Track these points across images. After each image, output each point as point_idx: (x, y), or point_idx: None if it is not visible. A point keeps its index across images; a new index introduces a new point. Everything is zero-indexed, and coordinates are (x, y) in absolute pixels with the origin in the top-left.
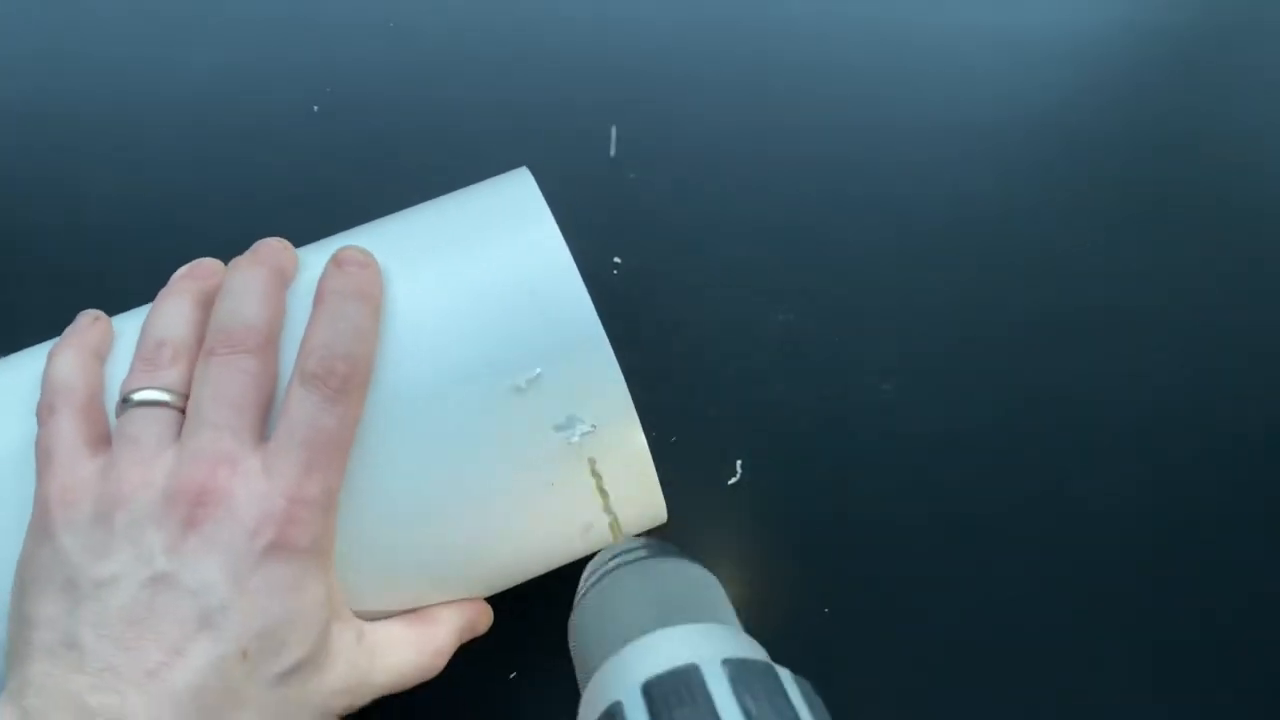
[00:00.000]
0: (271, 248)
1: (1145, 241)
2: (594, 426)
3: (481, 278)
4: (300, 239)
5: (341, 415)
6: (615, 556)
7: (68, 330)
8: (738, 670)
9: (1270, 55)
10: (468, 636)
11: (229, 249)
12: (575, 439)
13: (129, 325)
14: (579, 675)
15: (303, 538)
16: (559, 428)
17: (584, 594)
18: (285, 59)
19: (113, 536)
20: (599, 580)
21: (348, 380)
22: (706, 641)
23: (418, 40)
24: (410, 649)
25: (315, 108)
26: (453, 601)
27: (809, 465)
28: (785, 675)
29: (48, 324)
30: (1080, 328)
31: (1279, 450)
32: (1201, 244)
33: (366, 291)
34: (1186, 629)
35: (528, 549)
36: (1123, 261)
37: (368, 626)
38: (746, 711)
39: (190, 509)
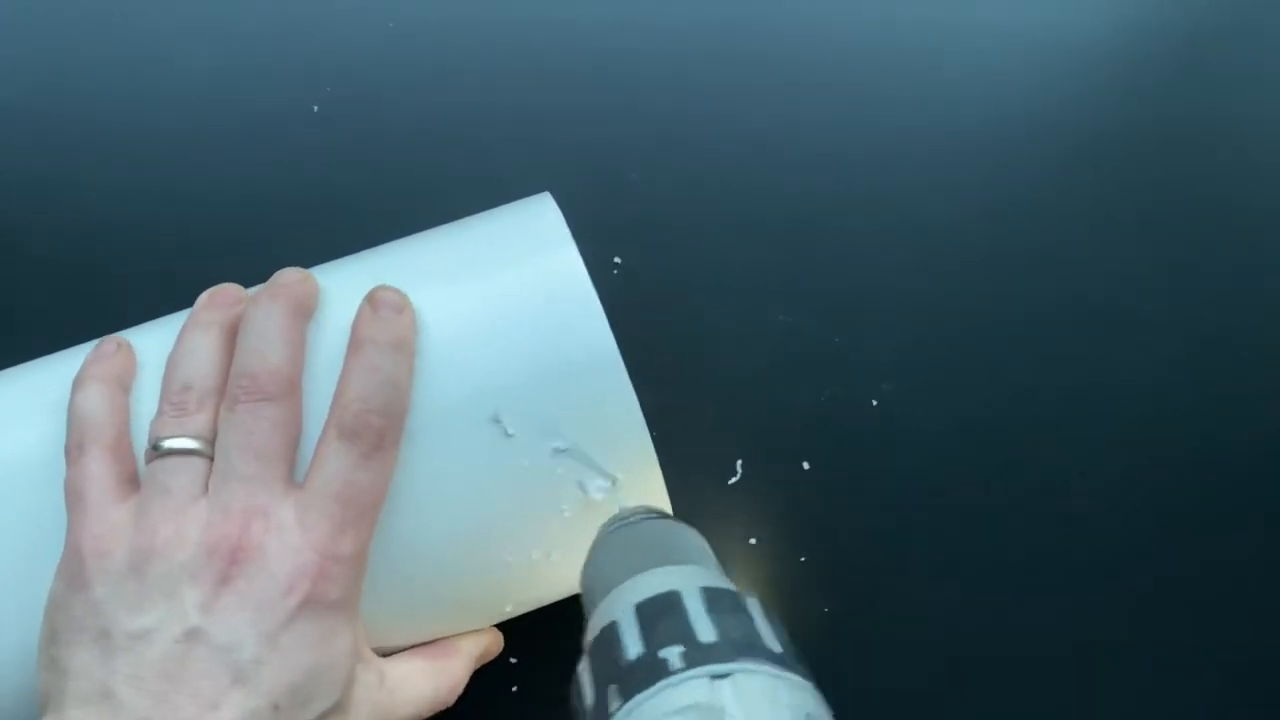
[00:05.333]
0: (291, 280)
1: (1145, 241)
2: (617, 480)
3: (508, 323)
4: (300, 240)
5: (377, 470)
6: (618, 521)
7: (90, 358)
8: (711, 595)
9: (1270, 55)
10: (481, 663)
11: (229, 250)
12: (598, 496)
13: (147, 345)
14: (587, 616)
15: (334, 592)
16: (581, 483)
17: (592, 552)
18: (285, 59)
19: (146, 589)
20: (605, 540)
21: (384, 435)
22: (688, 576)
23: (418, 40)
24: (428, 685)
25: (315, 108)
26: (469, 632)
27: (809, 465)
28: (752, 602)
29: (48, 324)
30: (1080, 327)
31: (1277, 449)
32: (1202, 243)
33: (402, 340)
34: (1187, 627)
35: (545, 583)
36: (1123, 261)
37: (388, 665)
38: (717, 624)
39: (225, 566)
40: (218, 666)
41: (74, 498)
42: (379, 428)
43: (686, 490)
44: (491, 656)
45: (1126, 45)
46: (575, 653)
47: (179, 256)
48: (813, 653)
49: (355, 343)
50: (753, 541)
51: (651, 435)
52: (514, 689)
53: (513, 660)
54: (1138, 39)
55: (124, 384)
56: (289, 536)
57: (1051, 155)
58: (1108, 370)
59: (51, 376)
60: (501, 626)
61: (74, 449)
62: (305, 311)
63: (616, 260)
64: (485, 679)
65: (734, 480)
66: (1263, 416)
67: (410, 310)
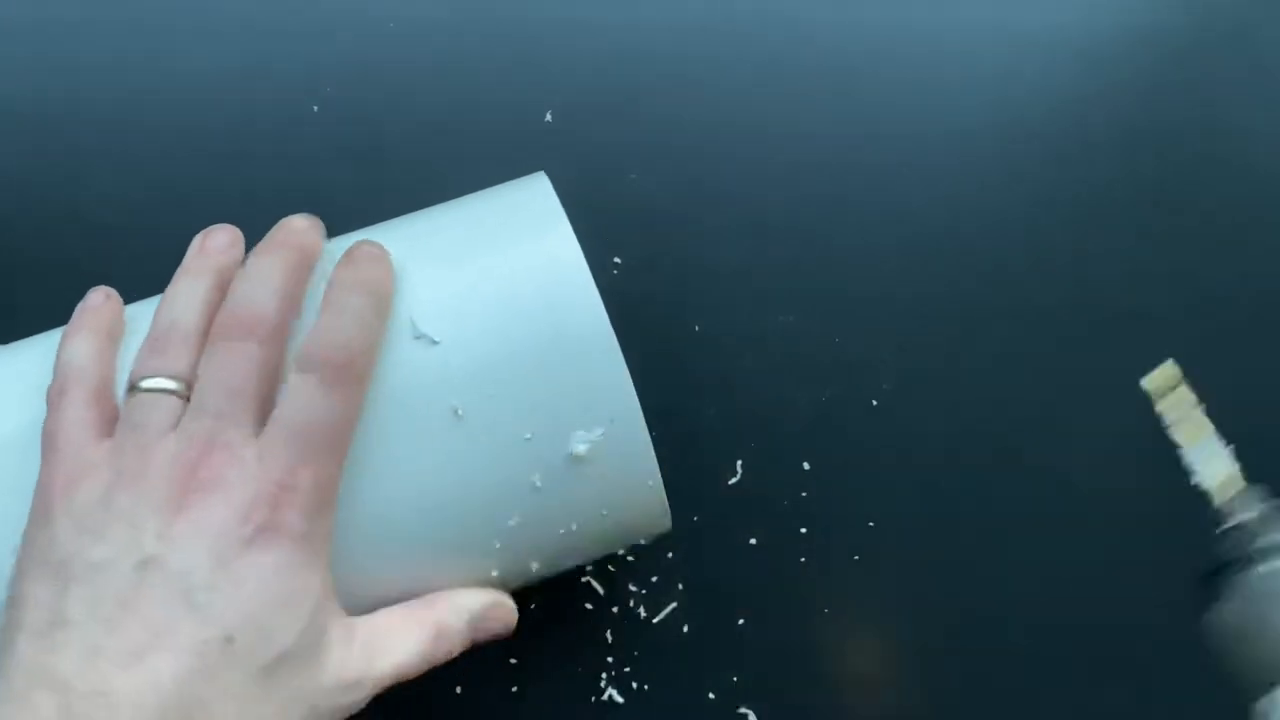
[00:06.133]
0: (294, 229)
1: (1145, 241)
2: (602, 435)
3: (499, 288)
4: None
5: (338, 404)
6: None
7: (79, 309)
8: None
9: (1271, 56)
10: (482, 629)
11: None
12: (582, 449)
13: (146, 311)
14: (1246, 667)
15: (293, 525)
16: (568, 441)
17: (1257, 597)
18: (285, 59)
19: (109, 520)
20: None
21: (345, 369)
22: None
23: (418, 40)
24: (407, 635)
25: (315, 108)
26: (464, 589)
27: (809, 465)
28: None
29: (48, 324)
30: (1080, 327)
31: (1278, 447)
32: (1202, 244)
33: (373, 284)
34: (1188, 626)
35: (528, 550)
36: (1123, 261)
37: (359, 621)
38: None
39: (183, 494)
40: (171, 594)
41: (49, 441)
42: (341, 362)
43: (686, 490)
44: (498, 623)
45: (1127, 46)
46: (573, 653)
47: (179, 256)
48: (813, 653)
49: (329, 287)
50: (753, 541)
51: (651, 435)
52: (514, 689)
53: (513, 661)
54: (1138, 39)
55: (112, 335)
56: (249, 468)
57: (1052, 155)
58: (1108, 370)
59: (42, 350)
60: None
61: (55, 395)
62: (306, 264)
63: (616, 260)
64: (485, 679)
65: (734, 480)
66: (1262, 416)
67: (386, 261)
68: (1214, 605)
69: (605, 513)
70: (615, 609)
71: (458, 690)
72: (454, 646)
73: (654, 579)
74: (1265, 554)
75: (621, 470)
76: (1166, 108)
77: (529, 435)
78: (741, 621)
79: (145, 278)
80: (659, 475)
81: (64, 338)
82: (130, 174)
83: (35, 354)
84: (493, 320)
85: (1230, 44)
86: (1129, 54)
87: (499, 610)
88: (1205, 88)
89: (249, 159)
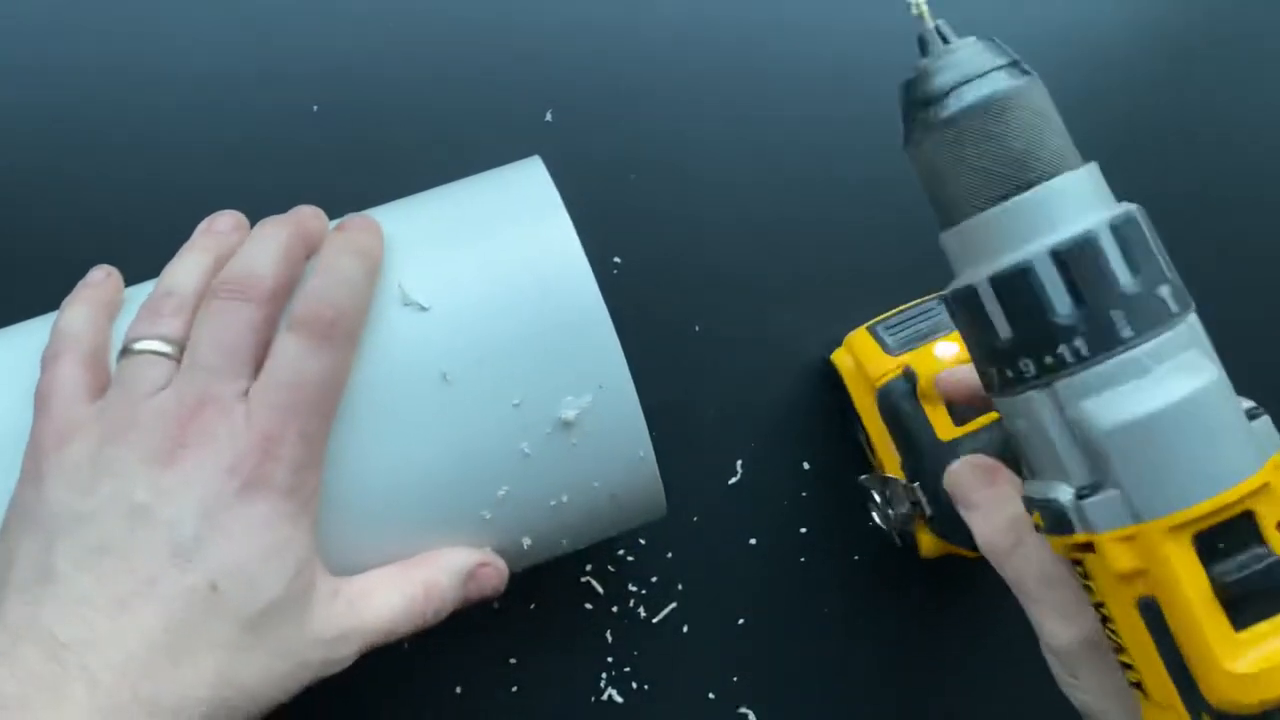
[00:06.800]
0: (301, 211)
1: None
2: (590, 401)
3: (488, 255)
4: None
5: (325, 362)
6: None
7: (79, 285)
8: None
9: (1270, 54)
10: (472, 587)
11: None
12: (570, 415)
13: (146, 292)
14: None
15: (279, 479)
16: (557, 407)
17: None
18: (285, 59)
19: (97, 473)
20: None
21: (332, 326)
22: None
23: (418, 40)
24: (395, 591)
25: (315, 108)
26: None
27: (809, 465)
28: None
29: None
30: None
31: None
32: (1201, 242)
33: (362, 248)
34: None
35: (518, 522)
36: None
37: (344, 580)
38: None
39: (173, 448)
40: (158, 543)
41: (41, 399)
42: (329, 319)
43: (686, 490)
44: (488, 582)
45: (1127, 43)
46: (573, 653)
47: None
48: (813, 652)
49: (320, 252)
50: (753, 541)
51: (651, 435)
52: (514, 689)
53: (513, 661)
54: (1137, 38)
55: (109, 309)
56: (237, 423)
57: None
58: None
59: (42, 327)
60: (499, 626)
61: (49, 358)
62: (307, 240)
63: (616, 260)
64: (485, 679)
65: (734, 480)
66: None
67: (375, 229)
68: (909, 145)
69: (596, 484)
70: (615, 609)
71: (458, 690)
72: (444, 604)
73: (654, 579)
74: (952, 93)
75: (611, 438)
76: (1166, 105)
77: (517, 401)
78: (741, 621)
79: (145, 278)
80: (650, 445)
81: (62, 307)
82: (132, 173)
83: (34, 329)
84: (482, 286)
85: (1231, 43)
86: (1129, 51)
87: (489, 569)
88: (1205, 85)
89: (249, 159)
